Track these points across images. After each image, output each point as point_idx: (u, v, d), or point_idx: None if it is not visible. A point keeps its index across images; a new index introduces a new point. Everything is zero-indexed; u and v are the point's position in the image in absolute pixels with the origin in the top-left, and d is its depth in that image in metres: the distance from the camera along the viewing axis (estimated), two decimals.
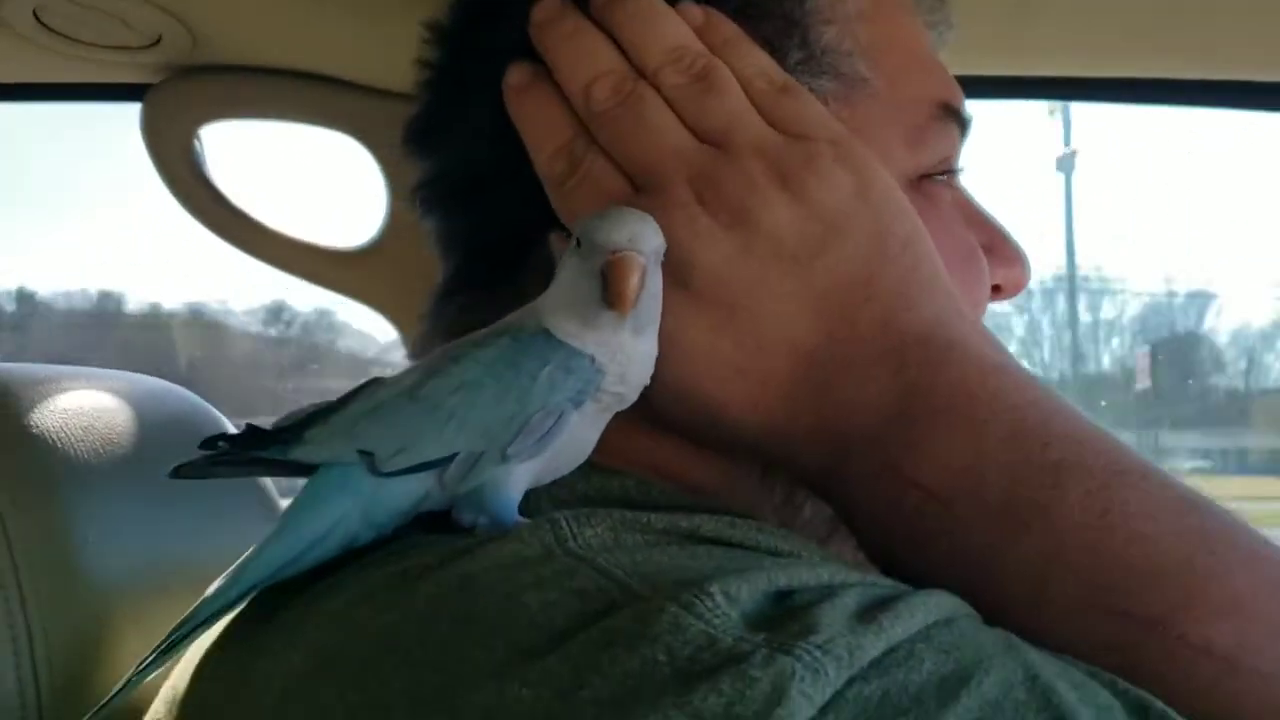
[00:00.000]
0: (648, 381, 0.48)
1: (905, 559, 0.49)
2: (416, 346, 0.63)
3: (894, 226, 0.52)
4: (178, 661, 0.51)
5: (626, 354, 0.46)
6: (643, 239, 0.45)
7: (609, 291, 0.44)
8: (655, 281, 0.46)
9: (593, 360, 0.45)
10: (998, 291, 0.62)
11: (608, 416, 0.48)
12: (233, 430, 0.47)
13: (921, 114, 0.58)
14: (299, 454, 0.45)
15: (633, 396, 0.48)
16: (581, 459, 0.48)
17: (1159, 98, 0.99)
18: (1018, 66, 0.95)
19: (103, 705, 0.45)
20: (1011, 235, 0.62)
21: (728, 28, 0.55)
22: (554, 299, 0.47)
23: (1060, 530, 0.45)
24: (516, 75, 0.55)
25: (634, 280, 0.44)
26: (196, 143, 0.99)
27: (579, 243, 0.46)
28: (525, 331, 0.46)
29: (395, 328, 1.06)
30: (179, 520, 0.70)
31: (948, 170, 0.60)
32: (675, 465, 0.54)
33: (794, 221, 0.50)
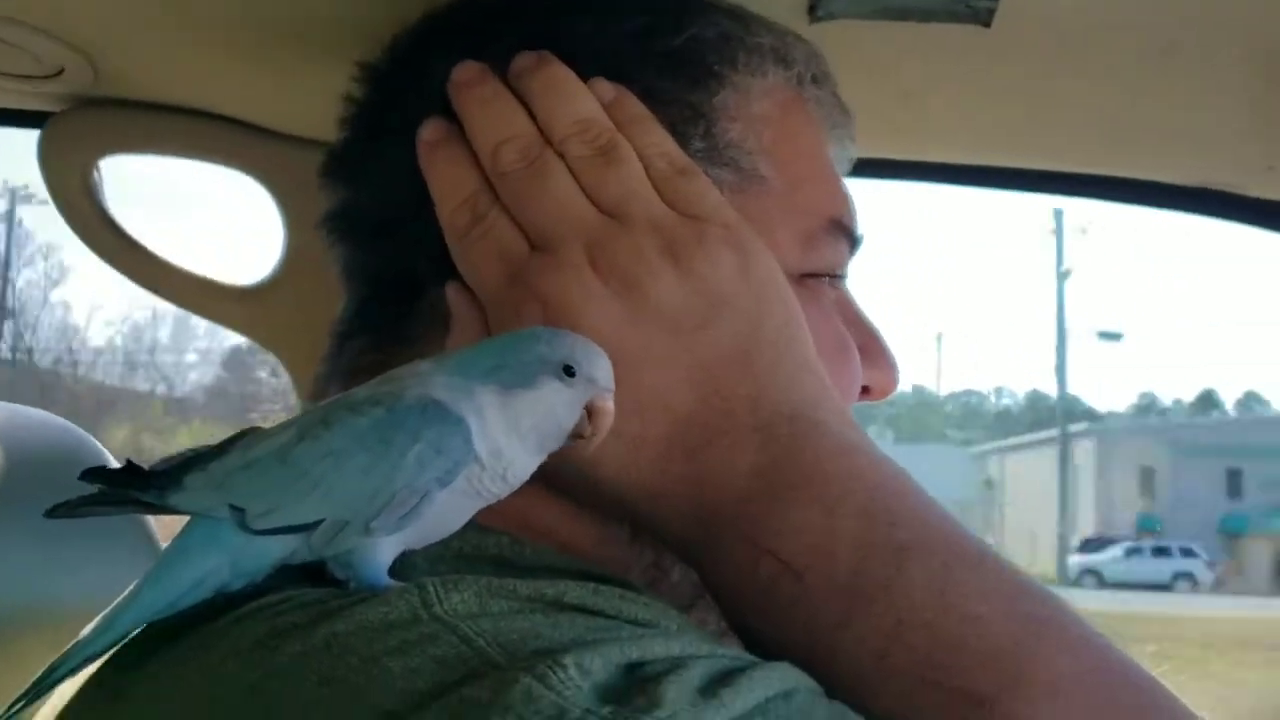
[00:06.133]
0: (520, 483, 0.49)
1: (759, 627, 0.51)
2: (314, 387, 0.64)
3: (773, 309, 0.55)
4: (44, 705, 0.51)
5: (521, 466, 0.48)
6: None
7: (593, 425, 0.48)
8: None
9: (479, 460, 0.47)
10: (866, 392, 0.65)
11: (482, 504, 0.49)
12: (114, 465, 0.48)
13: (813, 223, 0.61)
14: (175, 501, 0.46)
15: (505, 494, 0.49)
16: (452, 531, 0.49)
17: (1038, 187, 1.05)
18: (906, 151, 1.00)
19: None
20: (886, 341, 0.66)
21: (635, 107, 0.58)
22: (488, 393, 0.47)
23: (901, 608, 0.47)
24: (431, 130, 0.58)
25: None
26: (95, 174, 0.98)
27: (569, 370, 0.47)
28: (404, 401, 0.47)
29: (286, 367, 1.06)
30: (56, 558, 0.69)
31: (833, 275, 0.63)
32: (549, 524, 0.56)
33: (679, 295, 0.53)
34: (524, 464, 0.48)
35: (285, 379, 1.03)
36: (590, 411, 0.48)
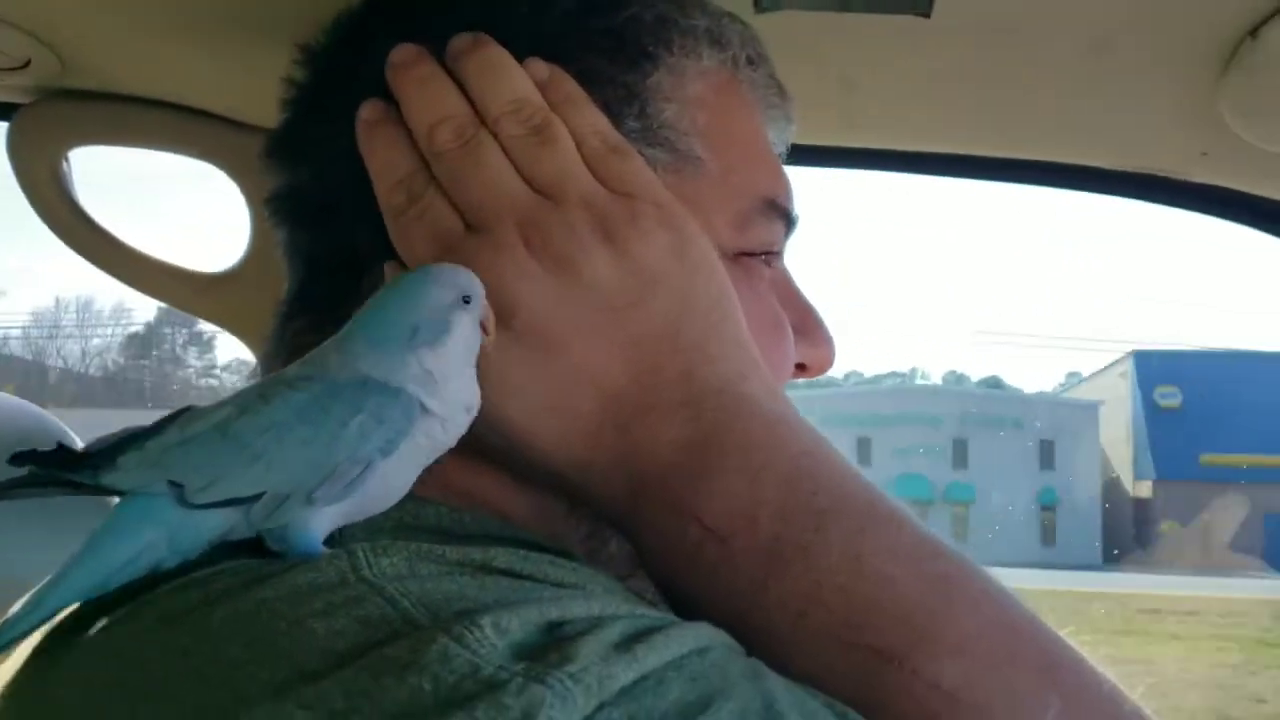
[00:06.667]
0: (470, 420, 0.51)
1: (686, 591, 0.53)
2: (261, 369, 0.65)
3: (705, 287, 0.56)
4: None
5: (468, 396, 0.50)
6: None
7: (486, 330, 0.51)
8: None
9: (423, 406, 0.48)
10: (802, 369, 0.67)
11: (425, 462, 0.50)
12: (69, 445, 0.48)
13: (747, 203, 0.63)
14: (109, 480, 0.46)
15: (453, 442, 0.50)
16: (394, 501, 0.50)
17: (981, 174, 1.07)
18: (847, 139, 1.02)
19: None
20: (823, 319, 0.67)
21: (569, 87, 0.59)
22: (406, 356, 0.49)
23: (818, 569, 0.49)
24: (369, 111, 0.59)
25: None
26: (64, 165, 1.00)
27: (466, 300, 0.50)
28: (342, 375, 0.48)
29: (254, 354, 1.07)
30: (14, 539, 0.70)
31: (769, 253, 0.64)
32: (488, 494, 0.57)
33: (612, 273, 0.55)
34: (464, 388, 0.51)
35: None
36: (484, 324, 0.51)
